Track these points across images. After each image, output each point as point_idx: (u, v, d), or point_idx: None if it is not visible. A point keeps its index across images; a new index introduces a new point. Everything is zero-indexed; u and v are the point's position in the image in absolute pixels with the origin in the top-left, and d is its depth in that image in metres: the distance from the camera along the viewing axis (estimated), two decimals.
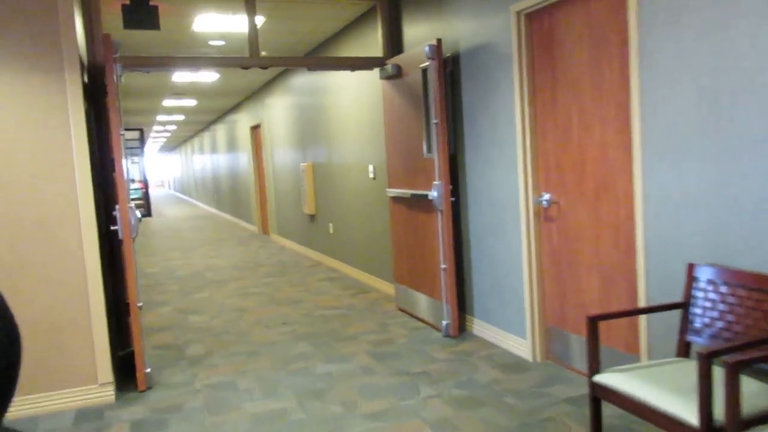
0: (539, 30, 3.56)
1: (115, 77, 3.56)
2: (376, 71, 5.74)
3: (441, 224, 4.32)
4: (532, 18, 3.61)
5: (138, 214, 3.80)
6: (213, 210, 19.21)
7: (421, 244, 4.66)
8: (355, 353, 4.17)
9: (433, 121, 4.26)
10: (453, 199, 4.33)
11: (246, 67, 4.83)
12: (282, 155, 9.75)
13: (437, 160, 4.28)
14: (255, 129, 11.94)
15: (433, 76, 4.24)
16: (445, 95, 4.27)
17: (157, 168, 48.77)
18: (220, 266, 8.27)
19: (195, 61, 4.61)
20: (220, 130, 16.24)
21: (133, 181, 22.52)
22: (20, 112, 3.30)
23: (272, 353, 4.29)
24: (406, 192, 4.73)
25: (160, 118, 15.78)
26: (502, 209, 3.95)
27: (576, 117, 3.35)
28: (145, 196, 19.27)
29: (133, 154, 23.68)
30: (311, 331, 4.78)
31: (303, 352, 4.28)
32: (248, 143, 12.31)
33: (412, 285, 4.89)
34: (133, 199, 18.02)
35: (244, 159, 13.03)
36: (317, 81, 7.54)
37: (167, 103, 12.32)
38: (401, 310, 5.18)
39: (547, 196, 3.63)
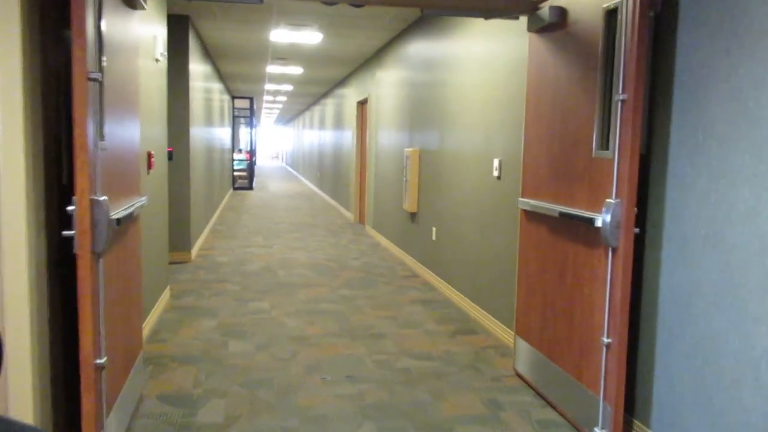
0: None
1: None
2: (519, 29, 4.01)
3: (611, 270, 2.58)
4: None
5: (114, 213, 2.36)
6: (314, 188, 18.16)
7: (567, 294, 2.93)
8: None
9: (619, 96, 2.51)
10: (637, 230, 2.56)
11: (330, 3, 3.28)
12: (386, 136, 8.21)
13: (618, 162, 2.53)
14: (362, 104, 10.50)
15: (627, 21, 2.48)
16: (645, 54, 2.49)
17: (272, 140, 49.21)
18: (298, 262, 6.90)
19: None
20: (329, 105, 15.01)
21: (240, 151, 21.93)
22: None
23: None
24: (551, 207, 3.01)
25: (268, 86, 14.78)
26: (744, 262, 2.15)
27: None
28: (249, 168, 18.48)
29: (243, 124, 23.00)
30: (385, 402, 3.20)
31: None
32: (354, 120, 10.90)
33: (545, 350, 3.17)
34: (236, 170, 17.27)
35: (348, 138, 11.67)
36: (436, 50, 5.90)
37: (272, 69, 11.16)
38: (521, 377, 3.49)
39: None
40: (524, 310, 3.44)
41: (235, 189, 17.91)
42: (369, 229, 9.38)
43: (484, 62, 4.61)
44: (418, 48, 6.52)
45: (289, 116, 29.05)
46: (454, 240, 5.32)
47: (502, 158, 4.27)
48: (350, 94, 11.40)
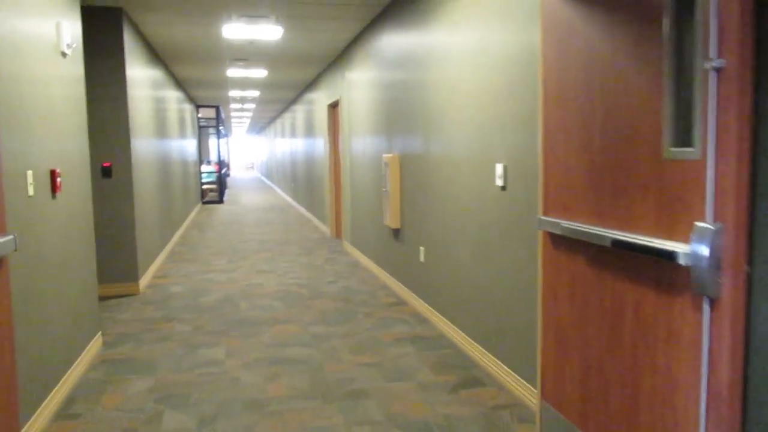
0: None
1: None
2: (517, 9, 3.11)
3: (711, 333, 1.68)
4: None
5: None
6: (289, 200, 17.19)
7: (627, 358, 2.03)
8: None
9: (711, 63, 1.62)
10: (747, 268, 1.67)
11: None
12: (361, 142, 7.30)
13: (715, 165, 1.64)
14: (333, 107, 9.58)
15: None
16: None
17: (246, 150, 48.07)
18: (265, 290, 5.94)
19: None
20: (299, 111, 14.08)
21: (209, 163, 20.82)
22: None
23: None
24: (597, 232, 2.11)
25: (233, 93, 13.81)
26: None
27: None
28: (219, 180, 17.42)
29: (213, 134, 21.86)
30: None
31: None
32: (325, 125, 9.98)
33: (590, 430, 2.27)
34: (204, 183, 16.20)
35: (320, 144, 10.74)
36: (413, 43, 4.99)
37: (233, 72, 10.20)
38: None
39: None
40: (554, 369, 2.54)
41: (204, 203, 16.87)
42: (347, 246, 8.44)
43: (474, 52, 3.71)
44: (392, 41, 5.62)
45: (261, 125, 28.05)
46: (447, 263, 4.41)
47: (506, 163, 3.37)
48: (320, 98, 10.48)
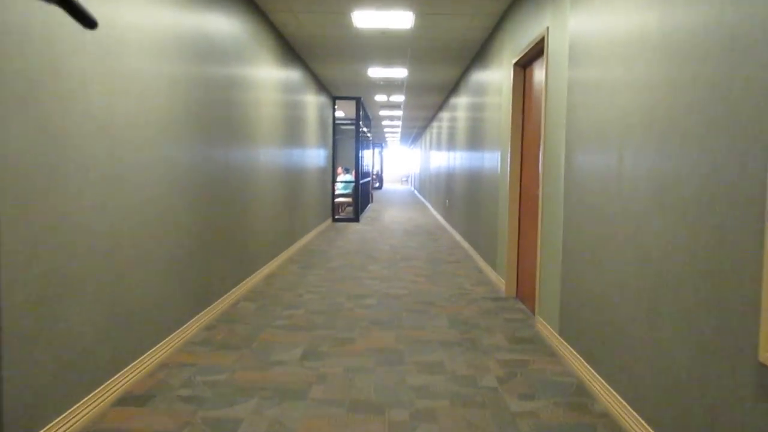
0: None
1: None
2: None
3: None
4: None
5: None
6: (441, 221, 13.13)
7: None
8: None
9: None
10: None
11: None
12: (619, 124, 2.99)
13: None
14: (524, 67, 5.35)
15: None
16: None
17: (400, 162, 45.12)
18: None
19: None
20: (460, 106, 9.99)
21: (347, 171, 17.36)
22: None
23: None
24: None
25: (372, 72, 10.08)
26: None
27: None
28: (356, 192, 13.79)
29: (342, 133, 18.23)
30: None
31: None
32: (498, 103, 5.76)
33: None
34: (338, 195, 12.36)
35: (491, 137, 6.53)
36: None
37: (360, 17, 6.38)
38: None
39: None
40: None
41: (335, 220, 13.30)
42: (544, 329, 4.14)
43: None
44: None
45: (414, 133, 24.46)
46: None
47: None
48: (492, 77, 6.28)
